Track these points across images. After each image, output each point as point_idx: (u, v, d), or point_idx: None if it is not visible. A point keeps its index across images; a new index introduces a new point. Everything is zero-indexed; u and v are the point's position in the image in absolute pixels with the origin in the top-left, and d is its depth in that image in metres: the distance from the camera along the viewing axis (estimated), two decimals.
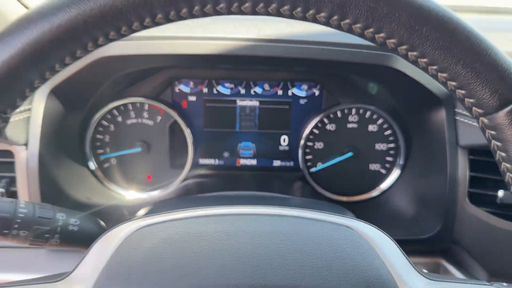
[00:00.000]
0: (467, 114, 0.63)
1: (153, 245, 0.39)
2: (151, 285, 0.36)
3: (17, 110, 0.36)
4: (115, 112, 0.81)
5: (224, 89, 0.82)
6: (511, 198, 0.60)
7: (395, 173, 0.83)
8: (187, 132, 0.82)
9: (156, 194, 0.81)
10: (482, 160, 0.67)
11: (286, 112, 0.84)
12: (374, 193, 0.84)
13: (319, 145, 0.85)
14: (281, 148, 0.86)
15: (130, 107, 0.81)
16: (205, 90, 0.82)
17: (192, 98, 0.82)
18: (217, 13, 0.33)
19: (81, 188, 0.76)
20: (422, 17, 0.33)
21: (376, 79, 0.77)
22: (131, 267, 0.38)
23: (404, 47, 0.34)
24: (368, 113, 0.82)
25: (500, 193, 0.62)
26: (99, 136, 0.81)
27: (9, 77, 0.33)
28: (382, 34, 0.33)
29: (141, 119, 0.82)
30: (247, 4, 0.32)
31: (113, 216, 0.70)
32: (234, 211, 0.43)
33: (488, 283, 0.40)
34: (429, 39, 0.33)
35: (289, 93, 0.83)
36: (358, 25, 0.33)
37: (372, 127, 0.84)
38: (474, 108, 0.35)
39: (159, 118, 0.82)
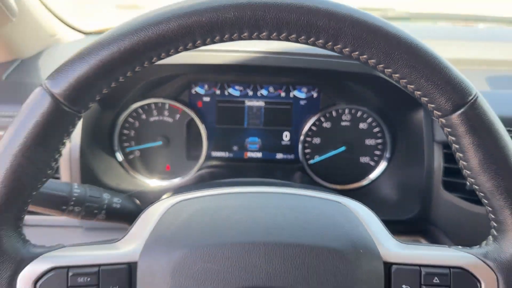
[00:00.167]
0: None
1: (189, 214, 0.49)
2: (189, 243, 0.45)
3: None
4: (140, 110, 0.88)
5: (234, 91, 0.90)
6: None
7: (382, 165, 0.90)
8: (202, 128, 0.90)
9: (175, 182, 0.89)
10: None
11: (288, 111, 0.91)
12: (364, 182, 0.91)
13: (316, 140, 0.91)
14: (283, 142, 0.93)
15: (152, 106, 0.88)
16: (218, 92, 0.89)
17: (207, 99, 0.90)
18: (241, 39, 0.43)
19: (111, 176, 0.84)
20: (394, 44, 0.42)
21: (365, 84, 0.84)
22: (173, 230, 0.47)
23: (381, 65, 0.43)
24: (359, 113, 0.89)
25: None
26: (125, 131, 0.89)
27: (86, 86, 0.42)
28: (365, 56, 0.43)
29: (162, 116, 0.89)
30: (264, 33, 0.42)
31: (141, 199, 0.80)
32: (249, 190, 0.53)
33: (447, 246, 0.50)
34: (399, 60, 0.43)
35: (291, 95, 0.90)
36: (347, 49, 0.43)
37: (362, 125, 0.90)
38: (434, 111, 0.45)
39: (177, 116, 0.89)
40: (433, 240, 0.78)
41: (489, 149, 0.44)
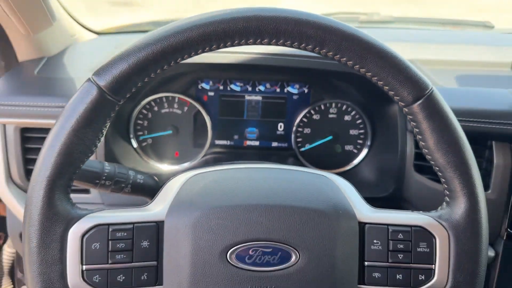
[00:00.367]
0: None
1: (204, 184, 0.58)
2: (205, 205, 0.55)
3: None
4: (152, 103, 0.97)
5: (236, 87, 0.98)
6: None
7: (364, 152, 0.98)
8: (207, 119, 0.98)
9: (183, 166, 0.97)
10: None
11: (282, 105, 0.99)
12: (348, 167, 0.99)
13: (307, 130, 0.99)
14: (278, 132, 1.01)
15: (164, 99, 0.97)
16: (221, 87, 0.98)
17: (211, 94, 0.98)
18: (247, 44, 0.53)
19: (128, 160, 0.93)
20: (367, 49, 0.52)
21: (349, 82, 0.93)
22: (192, 196, 0.56)
23: (357, 66, 0.53)
24: (344, 107, 0.98)
25: None
26: (139, 122, 0.97)
27: (125, 80, 0.52)
28: (344, 58, 0.53)
29: (172, 109, 0.97)
30: (266, 40, 0.52)
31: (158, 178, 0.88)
32: (251, 166, 0.62)
33: (410, 211, 0.61)
34: (371, 62, 0.53)
35: (285, 90, 0.98)
36: (330, 53, 0.53)
37: (347, 117, 0.98)
38: (399, 102, 0.55)
39: (186, 108, 0.98)
40: None
41: (442, 132, 0.54)
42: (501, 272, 0.85)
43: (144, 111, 0.97)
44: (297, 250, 0.54)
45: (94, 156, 0.83)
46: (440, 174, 0.56)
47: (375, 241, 0.56)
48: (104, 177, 0.67)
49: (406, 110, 0.55)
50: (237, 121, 1.00)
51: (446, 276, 0.56)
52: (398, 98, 0.54)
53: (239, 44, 0.52)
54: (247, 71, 0.95)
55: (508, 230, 0.82)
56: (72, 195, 0.56)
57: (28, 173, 0.85)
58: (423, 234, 0.56)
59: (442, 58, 1.04)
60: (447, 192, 0.57)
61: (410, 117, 0.55)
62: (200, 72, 0.95)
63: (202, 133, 0.99)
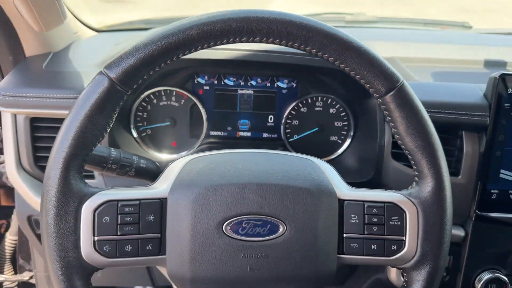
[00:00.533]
0: None
1: (202, 165, 0.65)
2: (204, 184, 0.61)
3: None
4: (152, 96, 1.01)
5: (229, 82, 1.02)
6: None
7: (347, 142, 1.03)
8: (203, 112, 1.02)
9: (180, 155, 1.02)
10: None
11: (273, 98, 1.04)
12: (333, 156, 1.04)
13: (295, 122, 1.04)
14: (268, 124, 1.05)
15: (162, 93, 1.01)
16: (216, 82, 1.02)
17: (207, 88, 1.02)
18: (241, 42, 0.60)
19: (129, 149, 0.97)
20: (345, 47, 0.58)
21: (333, 77, 0.98)
22: (191, 176, 0.62)
23: (337, 62, 0.60)
24: (329, 100, 1.02)
25: None
26: (139, 113, 1.01)
27: (133, 72, 0.57)
28: (326, 55, 0.60)
29: (170, 101, 1.01)
30: (257, 38, 0.59)
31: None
32: (244, 151, 0.68)
33: (384, 190, 0.67)
34: (349, 58, 0.59)
35: (275, 85, 1.03)
36: (314, 50, 0.59)
37: (332, 110, 1.03)
38: (374, 94, 0.62)
39: (183, 101, 1.02)
40: None
41: (411, 119, 0.61)
42: (470, 249, 0.92)
43: (144, 104, 1.01)
44: (284, 223, 0.61)
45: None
46: (410, 157, 0.64)
47: (352, 215, 0.63)
48: (110, 161, 0.73)
49: (380, 100, 0.62)
50: (231, 113, 1.05)
51: (415, 246, 0.62)
52: (373, 90, 0.61)
53: (234, 42, 0.59)
54: (240, 67, 1.00)
55: (476, 211, 0.90)
56: None
57: (36, 160, 0.91)
58: (395, 210, 0.63)
59: (421, 56, 1.10)
60: (416, 173, 0.64)
61: (384, 106, 0.62)
62: (196, 67, 1.00)
63: (198, 125, 1.04)
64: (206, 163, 0.65)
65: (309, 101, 1.04)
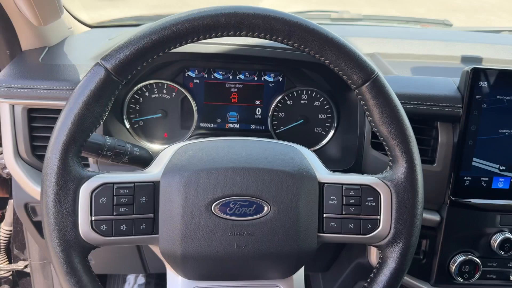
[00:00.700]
0: None
1: (193, 151, 0.69)
2: (194, 167, 0.65)
3: None
4: (144, 89, 1.04)
5: (218, 75, 1.05)
6: None
7: (331, 133, 1.07)
8: (193, 104, 1.05)
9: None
10: None
11: (260, 92, 1.07)
12: (317, 147, 1.07)
13: (281, 114, 1.07)
14: (256, 116, 1.09)
15: (154, 86, 1.04)
16: (206, 75, 1.05)
17: (197, 81, 1.06)
18: (228, 36, 0.64)
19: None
20: (324, 41, 0.63)
21: (317, 71, 1.02)
22: (183, 160, 0.66)
23: (318, 55, 0.65)
24: (314, 93, 1.06)
25: None
26: (132, 105, 1.04)
27: (128, 63, 0.62)
28: (307, 48, 0.64)
29: (162, 94, 1.04)
30: (244, 32, 0.63)
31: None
32: (232, 138, 0.73)
33: (360, 174, 0.72)
34: (328, 51, 0.63)
35: (262, 79, 1.06)
36: (296, 44, 0.64)
37: (316, 103, 1.06)
38: (351, 85, 0.67)
39: (174, 94, 1.05)
40: None
41: (385, 108, 0.66)
42: (445, 233, 0.97)
43: (136, 96, 1.04)
44: (268, 203, 0.65)
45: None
46: (384, 143, 0.69)
47: (331, 197, 0.68)
48: (106, 148, 0.77)
49: (357, 91, 0.67)
50: (220, 106, 1.08)
51: (389, 224, 0.68)
52: (350, 81, 0.66)
53: (221, 36, 0.63)
54: (229, 61, 1.04)
55: (451, 197, 0.95)
56: None
57: (33, 149, 0.95)
58: (370, 191, 0.68)
59: (401, 52, 1.16)
60: (390, 158, 0.69)
61: (360, 97, 0.67)
62: (187, 61, 1.03)
63: (189, 117, 1.07)
64: (196, 149, 0.70)
65: (295, 94, 1.07)
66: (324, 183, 0.69)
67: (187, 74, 1.07)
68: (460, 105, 0.91)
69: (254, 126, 1.11)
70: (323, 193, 0.68)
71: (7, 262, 1.47)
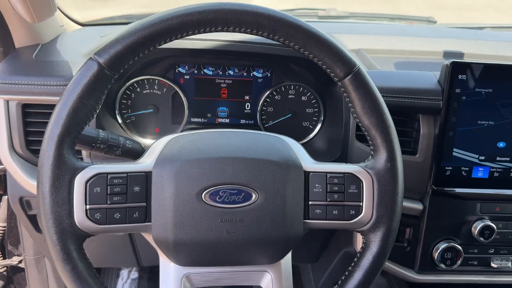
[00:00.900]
0: None
1: (184, 143, 0.71)
2: (184, 158, 0.68)
3: None
4: (135, 85, 1.06)
5: (208, 71, 1.08)
6: None
7: (318, 127, 1.09)
8: (184, 99, 1.07)
9: None
10: None
11: (249, 87, 1.09)
12: (305, 140, 1.10)
13: (270, 109, 1.10)
14: (245, 111, 1.11)
15: (145, 81, 1.06)
16: (196, 71, 1.07)
17: (187, 77, 1.08)
18: (216, 31, 0.66)
19: None
20: (309, 36, 0.66)
21: (304, 66, 1.04)
22: (173, 151, 0.69)
23: (302, 49, 0.67)
24: (301, 88, 1.08)
25: None
26: (124, 101, 1.06)
27: (120, 58, 0.64)
28: (292, 43, 0.67)
29: (153, 90, 1.06)
30: (231, 28, 0.66)
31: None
32: (221, 130, 0.76)
33: (344, 163, 0.76)
34: (312, 46, 0.66)
35: (251, 74, 1.08)
36: (281, 39, 0.67)
37: (303, 97, 1.09)
38: (334, 78, 0.70)
39: (165, 89, 1.07)
40: None
41: (366, 99, 0.69)
42: (428, 222, 1.01)
43: (128, 92, 1.06)
44: (256, 191, 0.68)
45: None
46: (366, 133, 0.72)
47: (316, 185, 0.71)
48: (99, 141, 0.79)
49: (339, 84, 0.70)
50: (210, 101, 1.10)
51: (371, 210, 0.71)
52: (333, 74, 0.69)
53: (210, 31, 0.66)
54: (218, 57, 1.06)
55: (433, 187, 0.99)
56: None
57: (28, 143, 0.97)
58: (353, 179, 0.71)
59: (385, 48, 1.19)
60: (372, 147, 0.72)
61: (343, 89, 0.70)
62: (177, 57, 1.06)
63: (180, 112, 1.09)
64: (186, 140, 0.72)
65: (283, 89, 1.10)
66: (309, 172, 0.72)
67: (178, 70, 1.08)
68: (441, 97, 0.95)
69: (244, 120, 1.13)
70: (308, 182, 0.71)
71: (1, 258, 1.49)
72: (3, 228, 1.44)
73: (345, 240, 1.16)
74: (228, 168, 0.68)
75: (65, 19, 1.22)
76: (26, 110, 0.94)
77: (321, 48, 0.67)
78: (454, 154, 0.97)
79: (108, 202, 0.67)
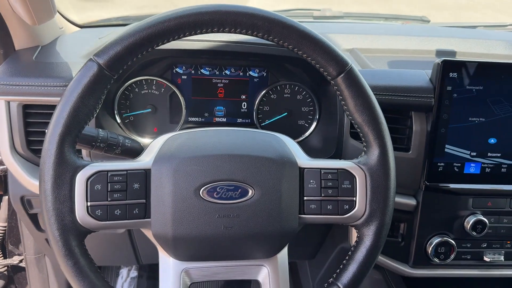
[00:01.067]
0: None
1: (181, 141, 0.73)
2: (182, 155, 0.69)
3: None
4: (134, 85, 1.07)
5: (205, 71, 1.09)
6: None
7: (313, 125, 1.11)
8: (181, 99, 1.09)
9: None
10: None
11: (245, 86, 1.11)
12: (301, 138, 1.12)
13: (266, 108, 1.11)
14: (242, 110, 1.12)
15: (143, 82, 1.07)
16: (193, 71, 1.09)
17: (184, 77, 1.09)
18: (212, 32, 0.69)
19: None
20: (302, 36, 0.68)
21: (300, 66, 1.06)
22: (172, 149, 0.71)
23: (296, 49, 0.69)
24: (296, 87, 1.10)
25: None
26: (122, 101, 1.07)
27: (119, 59, 0.66)
28: (286, 43, 0.69)
29: (151, 90, 1.08)
30: (226, 29, 0.68)
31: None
32: (218, 128, 0.78)
33: (338, 159, 0.78)
34: (305, 46, 0.68)
35: (247, 74, 1.10)
36: (276, 39, 0.69)
37: (299, 96, 1.10)
38: (327, 76, 0.72)
39: (162, 89, 1.08)
40: None
41: (358, 97, 0.71)
42: (422, 217, 1.03)
43: (127, 92, 1.07)
44: (253, 187, 0.70)
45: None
46: (358, 130, 0.74)
47: (311, 181, 0.73)
48: (99, 140, 0.81)
49: (332, 82, 0.72)
50: (207, 101, 1.12)
51: (364, 205, 0.73)
52: (326, 73, 0.71)
53: (206, 32, 0.68)
54: (215, 58, 1.08)
55: (426, 182, 1.01)
56: None
57: (29, 143, 0.98)
58: (347, 175, 0.73)
59: (379, 47, 1.21)
60: (364, 144, 0.74)
61: (336, 87, 0.72)
62: (174, 58, 1.07)
63: (177, 111, 1.10)
64: (184, 138, 0.74)
65: (278, 88, 1.11)
66: (304, 168, 0.73)
67: (175, 71, 1.10)
68: (432, 95, 0.97)
69: (240, 119, 1.15)
70: (303, 178, 0.73)
71: (2, 257, 1.50)
72: (4, 228, 1.46)
73: (341, 237, 1.18)
74: (225, 165, 0.70)
75: (63, 21, 1.23)
76: (27, 110, 0.96)
77: (314, 48, 0.69)
78: (446, 150, 0.99)
79: (109, 199, 0.68)
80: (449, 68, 0.95)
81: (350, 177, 0.73)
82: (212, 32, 0.68)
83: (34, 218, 1.10)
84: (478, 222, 1.02)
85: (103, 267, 1.66)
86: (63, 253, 0.66)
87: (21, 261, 1.45)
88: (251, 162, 0.71)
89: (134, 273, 1.75)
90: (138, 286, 1.72)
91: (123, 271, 1.74)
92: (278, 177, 0.71)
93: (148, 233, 0.73)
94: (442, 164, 1.00)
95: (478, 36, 1.38)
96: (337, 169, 0.73)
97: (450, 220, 1.04)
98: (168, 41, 0.67)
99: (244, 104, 1.14)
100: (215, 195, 0.69)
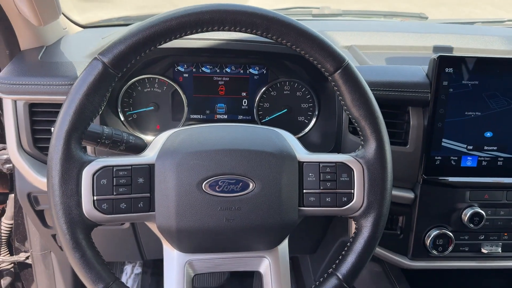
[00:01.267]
0: None
1: (184, 136, 0.75)
2: (185, 150, 0.71)
3: None
4: (136, 84, 1.09)
5: (206, 69, 1.11)
6: None
7: (313, 121, 1.13)
8: (183, 97, 1.11)
9: None
10: None
11: (246, 84, 1.13)
12: (301, 134, 1.13)
13: (266, 105, 1.13)
14: (243, 107, 1.14)
15: (146, 80, 1.09)
16: (194, 69, 1.11)
17: (186, 75, 1.11)
18: (213, 31, 0.71)
19: None
20: (300, 34, 0.70)
21: (299, 63, 1.08)
22: (175, 144, 0.72)
23: (294, 46, 0.71)
24: (296, 84, 1.12)
25: None
26: (125, 99, 1.10)
27: (123, 57, 0.68)
28: (284, 41, 0.71)
29: (153, 88, 1.10)
30: (226, 27, 0.70)
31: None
32: (219, 124, 0.80)
33: (336, 153, 0.80)
34: (303, 43, 0.70)
35: (247, 71, 1.12)
36: (274, 37, 0.71)
37: (298, 93, 1.12)
38: (325, 72, 0.74)
39: (165, 87, 1.10)
40: None
41: (355, 92, 0.73)
42: (420, 210, 1.05)
43: (130, 91, 1.09)
44: (253, 181, 0.72)
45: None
46: (356, 124, 0.76)
47: (310, 174, 0.75)
48: (104, 137, 0.83)
49: (330, 78, 0.74)
50: (208, 98, 1.14)
51: (362, 197, 0.75)
52: (324, 69, 0.73)
53: (207, 31, 0.70)
54: (215, 56, 1.10)
55: (423, 176, 1.03)
56: None
57: (35, 141, 1.01)
58: (345, 168, 0.75)
59: (377, 44, 1.23)
60: (361, 137, 0.76)
61: (333, 83, 0.74)
62: (176, 56, 1.09)
63: (179, 109, 1.12)
64: (187, 134, 0.76)
65: (278, 85, 1.13)
66: (303, 162, 0.75)
67: (177, 69, 1.12)
68: (429, 90, 0.99)
69: (241, 116, 1.17)
70: (302, 171, 0.75)
71: (9, 254, 1.53)
72: (10, 226, 1.48)
73: (341, 230, 1.20)
74: (226, 159, 0.72)
75: (67, 22, 1.25)
76: (33, 109, 0.98)
77: (311, 45, 0.71)
78: (443, 144, 1.01)
79: (114, 193, 0.70)
80: (445, 64, 0.97)
81: (348, 170, 0.75)
82: (212, 30, 0.70)
83: (40, 215, 1.13)
84: (475, 214, 1.04)
85: (107, 263, 1.68)
86: (70, 246, 0.68)
87: (27, 257, 1.48)
88: (252, 157, 0.73)
89: (138, 270, 1.78)
90: (142, 282, 1.74)
91: (128, 268, 1.77)
92: (278, 171, 0.73)
93: (153, 226, 0.75)
94: (439, 157, 1.02)
95: (475, 32, 1.40)
96: (335, 162, 0.75)
97: (447, 212, 1.06)
98: (170, 40, 0.69)
99: (245, 101, 1.15)
100: (217, 189, 0.71)
